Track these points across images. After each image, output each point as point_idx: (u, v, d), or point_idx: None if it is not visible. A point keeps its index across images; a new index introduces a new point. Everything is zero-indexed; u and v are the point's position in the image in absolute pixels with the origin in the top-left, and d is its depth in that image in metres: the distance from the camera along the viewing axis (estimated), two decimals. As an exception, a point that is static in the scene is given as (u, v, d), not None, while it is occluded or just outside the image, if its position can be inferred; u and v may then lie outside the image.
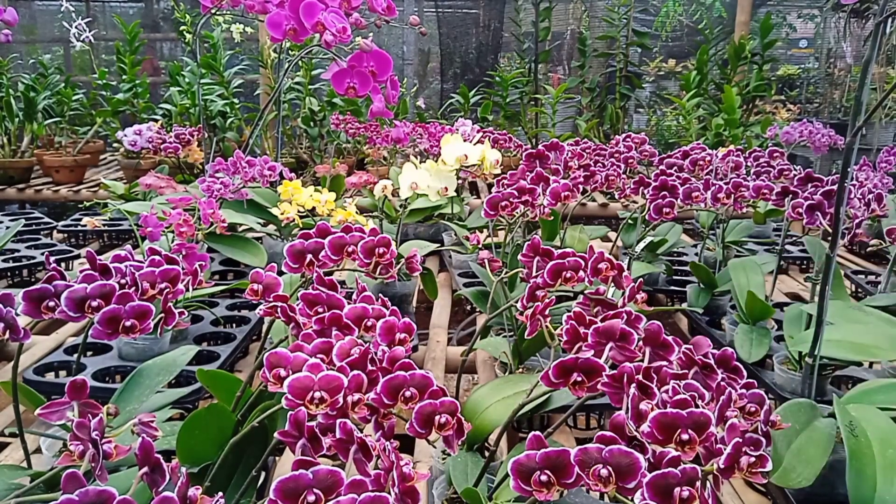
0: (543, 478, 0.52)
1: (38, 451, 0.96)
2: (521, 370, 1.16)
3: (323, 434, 0.56)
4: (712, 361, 0.63)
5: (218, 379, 0.82)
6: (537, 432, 0.55)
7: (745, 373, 0.66)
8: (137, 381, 0.86)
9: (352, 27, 1.08)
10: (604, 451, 0.51)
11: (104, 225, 2.28)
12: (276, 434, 0.58)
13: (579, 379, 0.61)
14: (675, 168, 1.65)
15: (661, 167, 1.62)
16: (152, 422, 0.62)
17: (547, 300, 0.78)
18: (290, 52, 2.85)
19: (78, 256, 1.91)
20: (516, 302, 0.82)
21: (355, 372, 0.58)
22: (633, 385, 0.57)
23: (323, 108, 3.27)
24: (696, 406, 0.55)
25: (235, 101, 3.19)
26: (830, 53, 5.16)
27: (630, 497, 0.50)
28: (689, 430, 0.53)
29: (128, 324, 0.66)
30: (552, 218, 1.60)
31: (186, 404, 1.11)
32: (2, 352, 1.43)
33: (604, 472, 0.51)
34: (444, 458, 0.88)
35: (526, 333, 0.83)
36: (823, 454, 0.84)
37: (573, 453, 0.52)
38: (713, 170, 1.67)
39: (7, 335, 0.64)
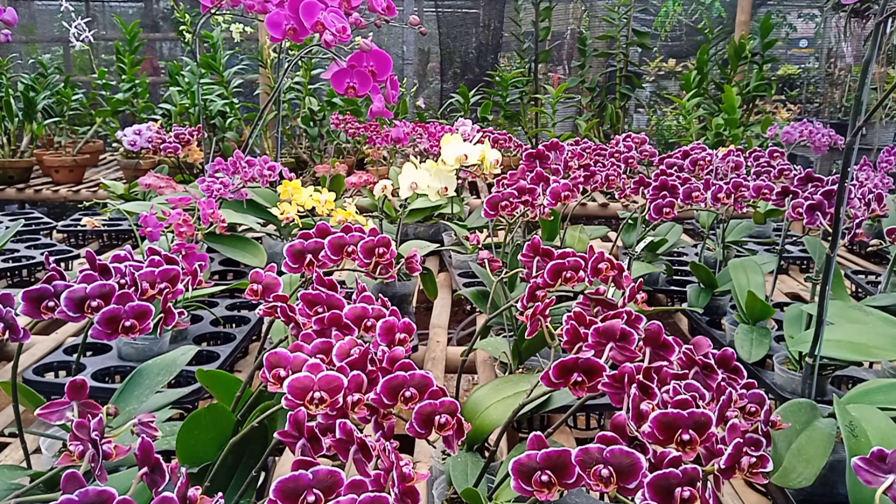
0: (544, 478, 0.52)
1: (37, 451, 0.96)
2: (521, 370, 1.16)
3: (323, 434, 0.56)
4: (712, 361, 0.63)
5: (218, 379, 0.82)
6: (538, 432, 0.55)
7: (745, 373, 0.66)
8: (137, 381, 0.86)
9: (351, 27, 1.08)
10: (605, 452, 0.51)
11: (104, 225, 2.28)
12: (275, 434, 0.58)
13: (580, 379, 0.61)
14: (676, 168, 1.64)
15: (661, 167, 1.61)
16: (152, 422, 0.62)
17: (547, 300, 0.78)
18: (289, 51, 2.85)
19: (77, 256, 1.90)
20: (516, 302, 0.82)
21: (355, 372, 0.58)
22: (634, 385, 0.57)
23: (323, 107, 3.27)
24: (697, 406, 0.55)
25: (235, 100, 3.19)
26: (830, 53, 5.16)
27: (631, 497, 0.50)
28: (690, 431, 0.52)
29: (127, 324, 0.66)
30: (552, 218, 1.60)
31: (186, 404, 1.11)
32: (1, 352, 1.43)
33: (605, 472, 0.51)
34: (444, 459, 0.88)
35: (526, 333, 0.83)
36: (823, 454, 0.84)
37: (574, 453, 0.52)
38: (713, 170, 1.67)
39: (7, 335, 0.64)
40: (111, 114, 3.25)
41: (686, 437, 0.52)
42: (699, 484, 0.49)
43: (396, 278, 0.91)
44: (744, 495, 1.02)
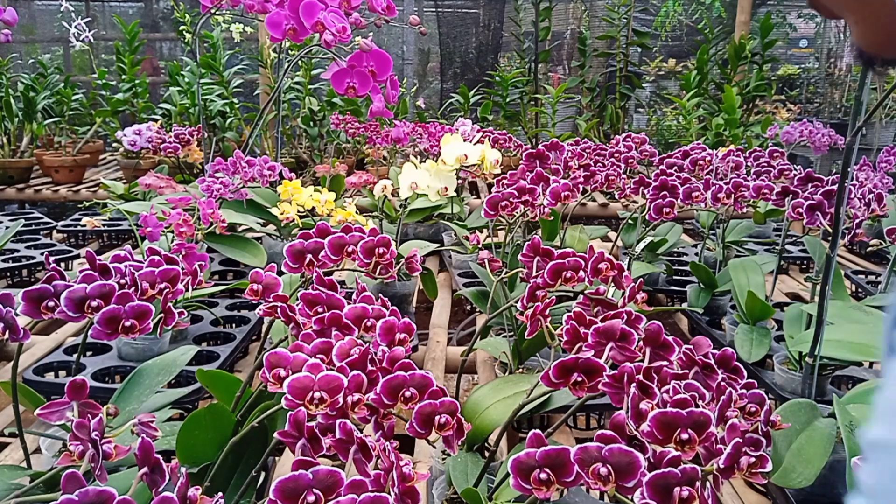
0: (543, 476, 0.52)
1: (37, 451, 0.96)
2: (521, 370, 1.16)
3: (323, 434, 0.56)
4: (712, 361, 0.63)
5: (218, 379, 0.82)
6: (537, 430, 0.55)
7: (745, 373, 0.66)
8: (137, 381, 0.86)
9: (351, 27, 1.08)
10: (604, 450, 0.51)
11: (104, 225, 2.28)
12: (275, 434, 0.58)
13: (579, 379, 0.61)
14: (676, 168, 1.65)
15: (661, 167, 1.62)
16: (152, 422, 0.62)
17: (547, 300, 0.78)
18: (289, 51, 2.85)
19: (77, 256, 1.90)
20: (516, 302, 0.82)
21: (355, 372, 0.58)
22: (634, 385, 0.57)
23: (323, 107, 3.27)
24: (697, 406, 0.55)
25: (235, 100, 3.18)
26: (830, 53, 5.17)
27: (629, 496, 0.50)
28: (689, 430, 0.53)
29: (127, 324, 0.66)
30: (552, 218, 1.60)
31: (186, 404, 1.11)
32: (2, 352, 1.43)
33: (603, 470, 0.51)
34: (444, 458, 0.88)
35: (526, 333, 0.83)
36: (823, 454, 0.84)
37: (573, 452, 0.52)
38: (713, 170, 1.67)
39: (7, 335, 0.64)
40: (111, 114, 3.25)
41: (685, 436, 0.52)
42: (698, 483, 0.49)
43: (396, 278, 0.91)
44: (744, 495, 1.02)
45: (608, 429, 0.55)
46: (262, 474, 0.75)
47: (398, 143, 2.42)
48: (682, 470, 0.49)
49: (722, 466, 0.51)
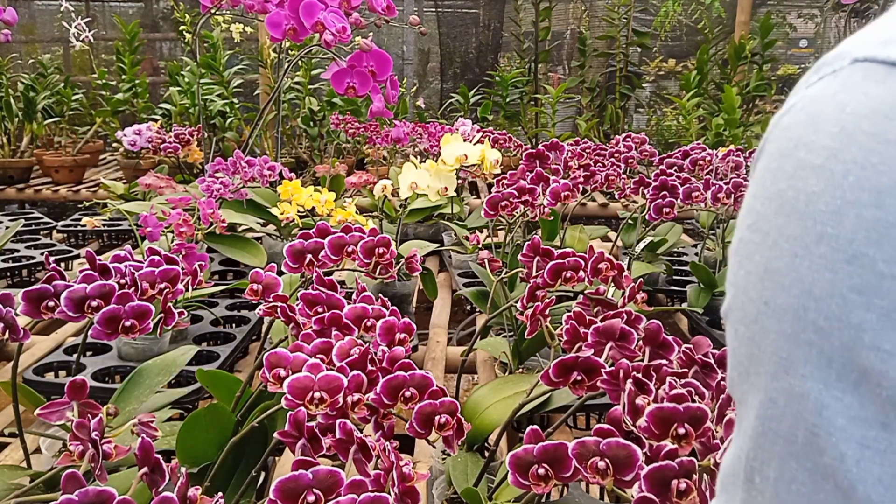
0: (541, 471, 0.52)
1: (37, 451, 0.96)
2: (521, 370, 1.16)
3: (323, 434, 0.56)
4: (712, 361, 0.63)
5: (218, 379, 0.82)
6: (535, 427, 0.55)
7: (744, 372, 0.65)
8: (137, 382, 0.86)
9: (352, 27, 1.08)
10: (601, 444, 0.51)
11: (104, 225, 2.28)
12: (275, 434, 0.58)
13: (579, 378, 0.61)
14: (676, 168, 1.65)
15: (661, 167, 1.62)
16: (152, 422, 0.62)
17: (547, 300, 0.78)
18: (289, 51, 2.85)
19: (77, 256, 1.90)
20: (516, 302, 0.83)
21: (355, 372, 0.58)
22: (630, 380, 0.57)
23: (323, 107, 3.27)
24: (693, 401, 0.55)
25: (235, 100, 3.18)
26: (830, 53, 5.14)
27: (628, 490, 0.50)
28: (686, 425, 0.53)
29: (127, 324, 0.66)
30: (552, 218, 1.60)
31: (186, 404, 1.11)
32: (2, 352, 1.43)
33: (601, 464, 0.51)
34: (444, 458, 0.89)
35: (526, 333, 0.83)
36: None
37: (571, 446, 0.52)
38: (713, 170, 1.67)
39: (7, 335, 0.64)
40: (111, 114, 3.24)
41: (682, 431, 0.52)
42: (696, 476, 0.49)
43: (396, 278, 0.91)
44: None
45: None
46: (262, 474, 0.75)
47: (398, 143, 2.42)
48: (680, 463, 0.49)
49: (719, 461, 0.51)
